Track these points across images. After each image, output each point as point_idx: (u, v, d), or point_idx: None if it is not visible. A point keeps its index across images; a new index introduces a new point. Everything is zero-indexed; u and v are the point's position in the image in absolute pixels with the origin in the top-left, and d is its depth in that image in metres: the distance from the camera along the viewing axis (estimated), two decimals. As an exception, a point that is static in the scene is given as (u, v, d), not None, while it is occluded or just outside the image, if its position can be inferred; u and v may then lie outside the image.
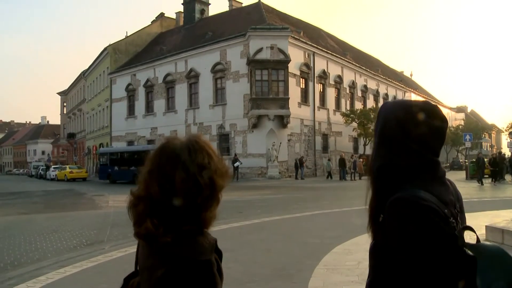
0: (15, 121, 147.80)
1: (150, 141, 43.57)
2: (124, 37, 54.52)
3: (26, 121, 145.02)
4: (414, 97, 63.66)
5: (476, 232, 1.39)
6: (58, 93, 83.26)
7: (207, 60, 39.43)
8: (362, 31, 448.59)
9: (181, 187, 1.36)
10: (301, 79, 38.63)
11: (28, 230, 11.46)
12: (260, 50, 35.04)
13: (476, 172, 27.74)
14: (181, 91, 42.47)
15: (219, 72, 38.79)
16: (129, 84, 48.68)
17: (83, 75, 64.52)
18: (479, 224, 7.49)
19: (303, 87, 39.02)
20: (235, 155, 34.10)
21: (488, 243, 1.41)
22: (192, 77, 41.24)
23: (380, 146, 1.51)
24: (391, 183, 1.43)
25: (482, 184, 26.06)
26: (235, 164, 32.77)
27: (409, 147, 1.42)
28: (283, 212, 13.30)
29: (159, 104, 44.88)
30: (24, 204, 20.14)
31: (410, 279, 1.31)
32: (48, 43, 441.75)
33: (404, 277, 1.32)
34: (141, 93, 47.29)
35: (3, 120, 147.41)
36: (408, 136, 1.42)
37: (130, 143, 47.31)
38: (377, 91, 53.48)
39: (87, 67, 62.75)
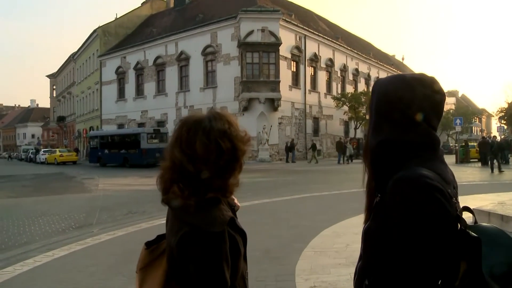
0: (4, 104, 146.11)
1: (140, 124, 43.30)
2: (114, 19, 53.92)
3: (15, 104, 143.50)
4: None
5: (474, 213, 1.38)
6: (47, 76, 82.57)
7: (197, 42, 39.12)
8: (353, 14, 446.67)
9: (203, 151, 1.43)
10: (292, 62, 38.46)
11: (16, 214, 11.36)
12: (251, 32, 34.82)
13: (491, 158, 24.08)
14: (171, 74, 42.17)
15: (210, 54, 38.53)
16: (119, 67, 48.25)
17: (73, 57, 63.86)
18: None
19: (294, 70, 38.88)
20: None
21: (486, 224, 1.37)
22: (183, 60, 40.94)
23: (378, 123, 1.42)
24: (393, 161, 1.36)
25: (493, 171, 22.77)
26: None
27: (412, 121, 1.35)
28: (273, 195, 13.28)
29: (150, 87, 44.58)
30: (13, 187, 19.97)
31: (411, 261, 1.25)
32: (37, 25, 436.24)
33: (404, 259, 1.25)
34: (131, 76, 46.90)
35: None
36: (409, 109, 1.35)
37: (121, 126, 47.08)
38: (369, 75, 53.45)
39: (76, 50, 62.07)
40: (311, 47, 40.78)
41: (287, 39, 36.62)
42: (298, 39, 38.97)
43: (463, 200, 1.38)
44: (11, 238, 8.40)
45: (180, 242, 1.42)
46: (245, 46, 34.94)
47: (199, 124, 1.48)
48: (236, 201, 1.84)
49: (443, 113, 1.43)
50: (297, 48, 38.72)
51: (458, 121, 33.39)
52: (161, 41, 43.02)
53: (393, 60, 72.52)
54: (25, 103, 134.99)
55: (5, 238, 8.34)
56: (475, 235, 1.25)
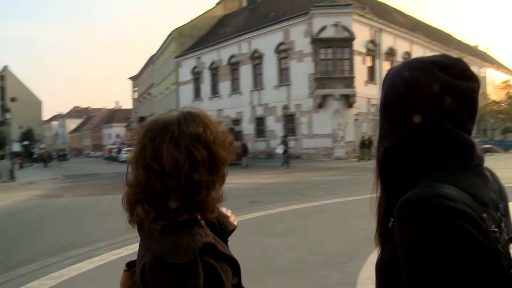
0: (92, 107, 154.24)
1: (216, 123, 43.92)
2: (189, 20, 55.16)
3: (101, 107, 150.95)
4: (491, 72, 60.36)
5: None
6: (129, 78, 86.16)
7: (270, 40, 39.08)
8: (431, 2, 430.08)
9: (171, 164, 1.16)
10: (367, 56, 37.47)
11: (93, 211, 11.85)
12: (323, 28, 34.25)
13: None
14: (245, 73, 42.45)
15: (283, 52, 38.37)
16: (194, 67, 49.30)
17: (151, 60, 66.12)
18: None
19: (370, 65, 37.84)
20: (284, 137, 31.33)
21: None
22: (256, 58, 41.08)
23: (385, 125, 1.10)
24: (403, 175, 1.03)
25: None
26: (278, 148, 29.69)
27: (426, 118, 1.00)
28: (346, 194, 12.84)
29: (224, 86, 45.13)
30: (94, 185, 20.95)
31: None
32: (120, 31, 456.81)
33: None
34: (206, 75, 47.74)
35: (82, 106, 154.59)
36: (424, 103, 1.00)
37: (197, 125, 47.95)
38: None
39: (155, 52, 64.20)
40: (387, 41, 39.50)
41: (361, 34, 35.66)
42: (373, 33, 37.88)
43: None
44: (84, 235, 8.73)
45: (141, 272, 1.20)
46: (318, 42, 34.46)
47: (165, 130, 1.21)
48: (231, 218, 1.59)
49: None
50: (372, 42, 37.63)
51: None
52: (235, 41, 43.38)
53: (476, 50, 68.64)
54: (110, 105, 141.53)
55: (79, 235, 8.67)
56: None
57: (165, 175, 1.17)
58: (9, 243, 8.81)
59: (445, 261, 0.89)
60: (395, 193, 1.01)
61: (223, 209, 1.57)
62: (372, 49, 37.77)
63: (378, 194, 1.13)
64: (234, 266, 1.31)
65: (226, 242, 1.45)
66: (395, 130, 1.06)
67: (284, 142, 28.80)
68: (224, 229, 1.49)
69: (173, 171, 1.17)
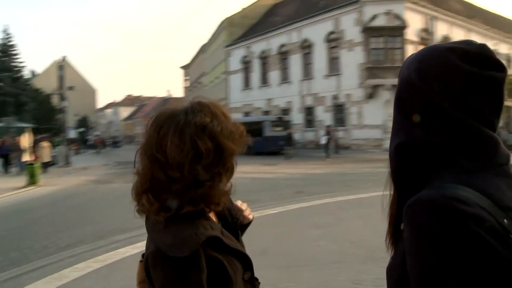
0: (144, 95, 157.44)
1: (266, 112, 43.97)
2: (240, 10, 55.27)
3: (153, 95, 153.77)
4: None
5: None
6: (180, 67, 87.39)
7: (320, 29, 38.62)
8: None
9: (175, 154, 1.16)
10: (420, 46, 36.25)
11: (127, 199, 12.14)
12: (374, 16, 33.51)
13: None
14: (295, 62, 42.17)
15: (333, 41, 37.84)
16: (244, 56, 49.44)
17: (202, 49, 66.78)
18: None
19: (424, 54, 36.73)
20: (328, 127, 30.71)
21: None
22: (306, 47, 40.72)
23: (398, 119, 1.02)
24: (415, 173, 0.95)
25: None
26: (322, 139, 28.95)
27: (441, 112, 0.91)
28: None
29: (274, 75, 45.02)
30: (131, 173, 21.44)
31: None
32: (172, 20, 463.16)
33: None
34: (256, 64, 47.77)
35: (134, 95, 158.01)
36: (438, 95, 0.92)
37: (247, 114, 48.20)
38: (510, 56, 48.86)
39: (206, 42, 64.79)
40: (441, 29, 38.15)
41: (414, 22, 34.61)
42: (426, 21, 36.72)
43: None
44: (130, 220, 8.93)
45: (145, 264, 1.22)
46: (369, 31, 33.76)
47: (171, 120, 1.20)
48: (246, 212, 1.55)
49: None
50: (426, 30, 36.45)
51: None
52: (285, 30, 43.13)
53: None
54: (162, 94, 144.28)
55: (126, 220, 8.88)
56: None
57: (168, 166, 1.17)
58: (62, 226, 9.23)
59: (455, 271, 0.79)
60: (408, 193, 0.92)
61: (238, 202, 1.56)
62: (426, 38, 36.59)
63: (391, 193, 1.04)
64: (245, 261, 1.30)
65: (237, 236, 1.42)
66: (408, 125, 0.97)
67: (328, 133, 28.51)
68: (236, 223, 1.46)
69: (176, 162, 1.16)
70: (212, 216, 1.34)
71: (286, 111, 41.88)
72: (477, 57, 0.92)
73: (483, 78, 0.90)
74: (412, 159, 0.95)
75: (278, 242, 6.91)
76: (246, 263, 1.30)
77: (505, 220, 0.82)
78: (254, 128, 35.15)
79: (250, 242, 1.73)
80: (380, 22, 33.59)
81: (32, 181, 17.31)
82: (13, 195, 15.08)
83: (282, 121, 34.22)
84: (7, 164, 24.03)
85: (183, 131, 1.17)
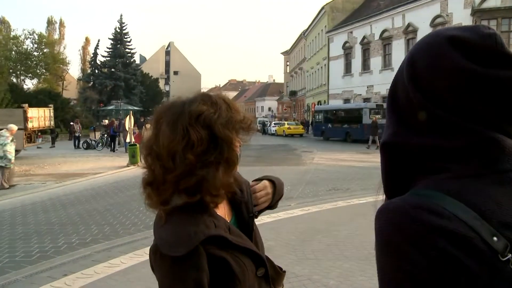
0: (247, 80, 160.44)
1: (366, 99, 43.17)
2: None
3: (256, 80, 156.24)
4: None
5: None
6: (281, 53, 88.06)
7: (426, 13, 36.88)
8: None
9: (165, 143, 1.14)
10: (538, 28, 33.67)
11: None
12: (487, -3, 31.41)
13: None
14: (398, 48, 40.65)
15: (439, 25, 35.87)
16: (345, 42, 48.61)
17: (303, 34, 66.72)
18: None
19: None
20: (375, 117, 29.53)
21: None
22: (410, 33, 39.15)
23: (388, 113, 0.91)
24: (401, 176, 0.82)
25: None
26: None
27: (432, 115, 0.78)
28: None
29: (376, 61, 43.86)
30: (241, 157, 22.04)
31: None
32: (274, 8, 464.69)
33: None
34: (357, 50, 46.80)
35: (237, 80, 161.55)
36: (425, 95, 0.79)
37: (347, 101, 47.58)
38: None
39: (306, 27, 64.60)
40: None
41: (532, 3, 32.03)
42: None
43: None
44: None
45: (149, 255, 1.22)
46: (480, 13, 31.66)
47: (169, 111, 1.19)
48: (262, 196, 1.47)
49: None
50: (545, 12, 33.66)
51: None
52: (388, 14, 41.77)
53: None
54: (264, 79, 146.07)
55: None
56: None
57: (163, 157, 1.14)
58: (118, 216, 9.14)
59: (412, 284, 0.68)
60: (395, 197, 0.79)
61: (258, 187, 1.51)
62: (544, 20, 33.83)
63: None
64: (256, 257, 1.25)
65: (250, 232, 1.37)
66: (397, 123, 0.85)
67: (374, 123, 27.62)
68: (252, 218, 1.39)
69: (168, 152, 1.13)
70: (224, 210, 1.32)
71: (386, 98, 40.73)
72: (481, 50, 0.75)
73: (485, 79, 0.74)
74: (399, 161, 0.83)
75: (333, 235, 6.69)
76: (258, 259, 1.25)
77: (495, 238, 0.66)
78: (353, 116, 34.79)
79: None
80: (493, 3, 31.43)
81: (134, 161, 18.17)
82: (116, 173, 16.17)
83: (382, 109, 33.40)
84: (114, 144, 26.38)
85: (176, 121, 1.14)
